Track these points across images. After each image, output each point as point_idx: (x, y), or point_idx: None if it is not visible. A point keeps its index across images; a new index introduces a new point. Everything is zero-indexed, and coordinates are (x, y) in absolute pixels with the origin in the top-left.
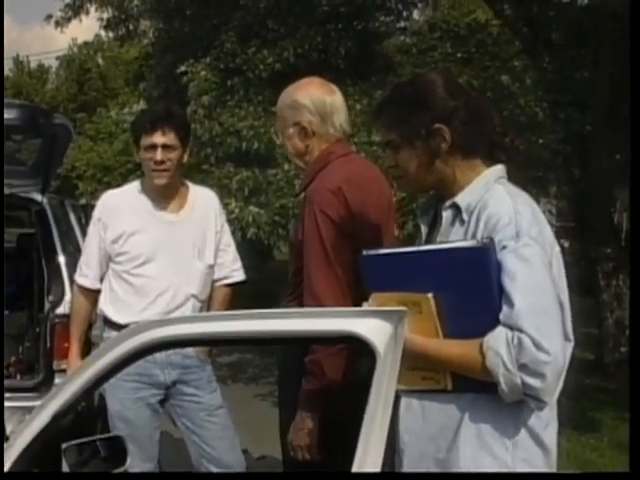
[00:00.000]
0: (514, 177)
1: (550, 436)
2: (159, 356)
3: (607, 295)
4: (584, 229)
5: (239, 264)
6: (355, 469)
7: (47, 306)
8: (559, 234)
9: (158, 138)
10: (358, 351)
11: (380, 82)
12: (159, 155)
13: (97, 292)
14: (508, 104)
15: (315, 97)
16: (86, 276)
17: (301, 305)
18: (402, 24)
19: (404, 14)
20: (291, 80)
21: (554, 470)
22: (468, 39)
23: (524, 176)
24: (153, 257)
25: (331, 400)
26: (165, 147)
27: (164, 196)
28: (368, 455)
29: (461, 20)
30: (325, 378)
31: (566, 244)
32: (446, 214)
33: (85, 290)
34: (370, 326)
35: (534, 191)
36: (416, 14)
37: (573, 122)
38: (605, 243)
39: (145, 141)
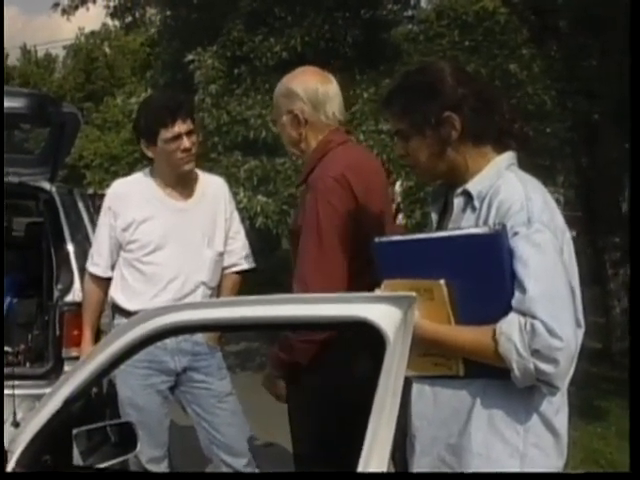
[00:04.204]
0: (523, 164)
1: (561, 422)
2: (169, 343)
3: (614, 284)
4: (592, 218)
5: (248, 251)
6: (364, 454)
7: (56, 294)
8: (566, 223)
9: (181, 127)
10: (367, 337)
11: (387, 70)
12: (187, 142)
13: (109, 280)
14: (516, 92)
15: (308, 86)
16: (97, 264)
17: None
18: (409, 12)
19: (411, 2)
20: None
21: (565, 455)
22: (476, 27)
23: (531, 164)
24: (163, 245)
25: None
26: (188, 133)
27: (174, 184)
28: (377, 440)
29: (469, 8)
30: (298, 358)
31: (573, 233)
32: (457, 201)
33: (97, 278)
34: (380, 312)
35: (541, 180)
36: (423, 2)
37: (581, 111)
38: (613, 232)
39: (167, 134)
